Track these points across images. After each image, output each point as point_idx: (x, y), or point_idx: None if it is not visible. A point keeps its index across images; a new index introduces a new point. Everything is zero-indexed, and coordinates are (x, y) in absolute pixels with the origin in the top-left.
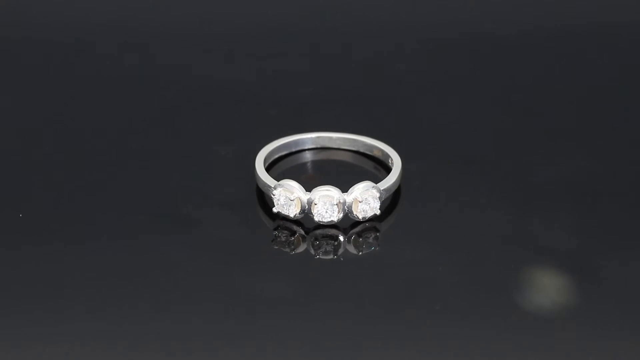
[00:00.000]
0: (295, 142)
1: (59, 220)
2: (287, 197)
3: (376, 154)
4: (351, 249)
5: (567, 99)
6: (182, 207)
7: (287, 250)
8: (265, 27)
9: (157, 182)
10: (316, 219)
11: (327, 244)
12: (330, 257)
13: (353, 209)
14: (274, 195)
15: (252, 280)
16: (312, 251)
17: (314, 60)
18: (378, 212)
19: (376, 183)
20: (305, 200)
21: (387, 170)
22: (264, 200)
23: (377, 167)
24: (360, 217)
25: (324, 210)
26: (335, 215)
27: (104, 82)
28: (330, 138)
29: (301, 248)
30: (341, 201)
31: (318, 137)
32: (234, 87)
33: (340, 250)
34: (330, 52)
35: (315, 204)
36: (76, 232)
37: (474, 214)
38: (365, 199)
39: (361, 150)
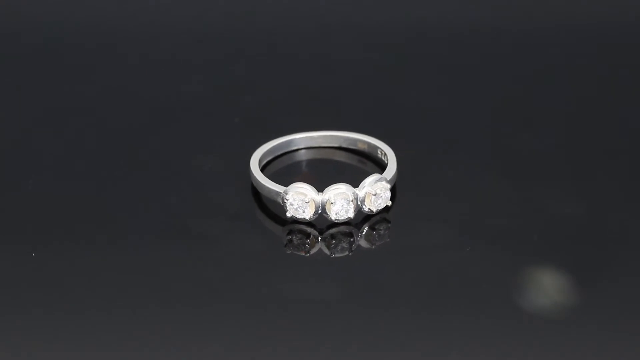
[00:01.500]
0: (279, 146)
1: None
2: (302, 200)
3: (361, 147)
4: (365, 243)
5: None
6: (191, 223)
7: (303, 253)
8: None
9: (156, 201)
10: (333, 217)
11: (343, 242)
12: (346, 253)
13: (366, 203)
14: (287, 200)
15: (286, 285)
16: (328, 251)
17: (274, 62)
18: (389, 202)
19: (362, 172)
20: (319, 201)
21: (373, 161)
22: (264, 206)
23: (362, 160)
24: (374, 209)
25: (341, 208)
26: (351, 212)
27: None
28: (312, 137)
29: (314, 249)
30: (355, 197)
31: (299, 138)
32: (191, 98)
33: (354, 246)
34: (290, 52)
35: (332, 203)
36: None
37: (474, 193)
38: (377, 192)
39: (343, 145)
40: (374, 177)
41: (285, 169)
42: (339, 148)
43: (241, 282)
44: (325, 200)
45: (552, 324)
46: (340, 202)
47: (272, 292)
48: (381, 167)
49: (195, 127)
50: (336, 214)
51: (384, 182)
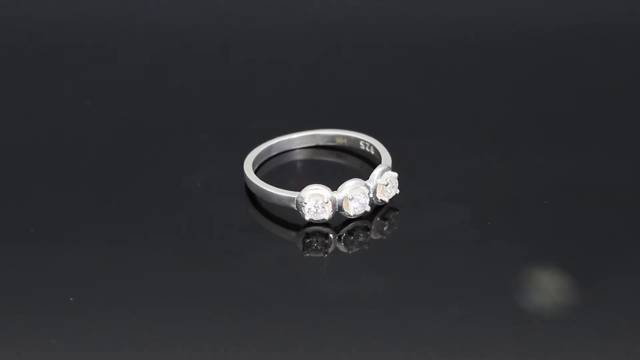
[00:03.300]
0: (264, 152)
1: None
2: (321, 202)
3: (339, 142)
4: (379, 234)
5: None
6: (203, 240)
7: (322, 254)
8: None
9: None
10: (351, 213)
11: (360, 236)
12: (363, 248)
13: (378, 194)
14: (305, 204)
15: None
16: (345, 248)
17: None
18: (398, 191)
19: (346, 168)
20: (337, 199)
21: (355, 154)
22: (267, 213)
23: (341, 155)
24: (386, 199)
25: (357, 203)
26: (367, 206)
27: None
28: (290, 140)
29: (331, 248)
30: (369, 190)
31: (278, 143)
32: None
33: (369, 239)
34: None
35: (351, 199)
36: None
37: (467, 172)
38: (388, 181)
39: (321, 143)
40: (381, 167)
41: (274, 175)
42: (317, 147)
43: (268, 289)
44: (342, 198)
45: (552, 324)
46: (358, 196)
47: (310, 295)
48: (364, 159)
49: (176, 142)
50: (354, 209)
51: (390, 171)
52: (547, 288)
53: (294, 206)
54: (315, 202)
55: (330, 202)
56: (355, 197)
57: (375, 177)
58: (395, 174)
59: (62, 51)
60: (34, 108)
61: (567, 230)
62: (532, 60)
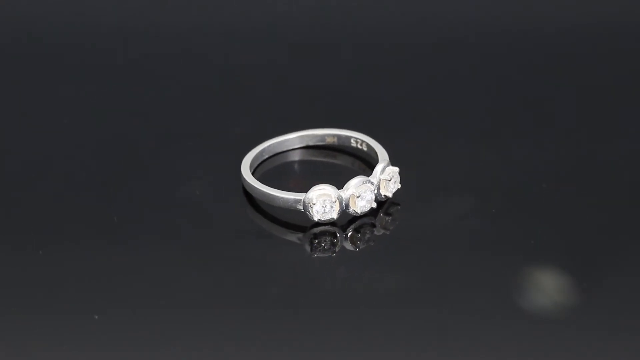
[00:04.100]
0: (257, 156)
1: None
2: (329, 202)
3: (330, 141)
4: (383, 230)
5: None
6: (208, 243)
7: (330, 254)
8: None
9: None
10: (358, 211)
11: (367, 234)
12: (370, 244)
13: (382, 190)
14: (313, 205)
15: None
16: (352, 246)
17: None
18: (399, 185)
19: (339, 167)
20: (343, 199)
21: (345, 153)
22: (267, 215)
23: (330, 154)
24: (390, 195)
25: (364, 201)
26: (373, 203)
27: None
28: (279, 142)
29: (338, 247)
30: (374, 187)
31: (270, 145)
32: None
33: (375, 235)
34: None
35: (358, 197)
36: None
37: (467, 169)
38: (391, 177)
39: (311, 143)
40: (382, 163)
41: (270, 178)
42: (307, 147)
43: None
44: (348, 196)
45: (552, 324)
46: (364, 193)
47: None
48: (355, 156)
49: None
50: (361, 207)
51: (392, 167)
52: (548, 287)
53: (301, 208)
54: (323, 202)
55: (337, 201)
56: (362, 194)
57: (378, 173)
58: (397, 169)
59: (62, 51)
60: (34, 108)
61: (568, 230)
62: (532, 60)
